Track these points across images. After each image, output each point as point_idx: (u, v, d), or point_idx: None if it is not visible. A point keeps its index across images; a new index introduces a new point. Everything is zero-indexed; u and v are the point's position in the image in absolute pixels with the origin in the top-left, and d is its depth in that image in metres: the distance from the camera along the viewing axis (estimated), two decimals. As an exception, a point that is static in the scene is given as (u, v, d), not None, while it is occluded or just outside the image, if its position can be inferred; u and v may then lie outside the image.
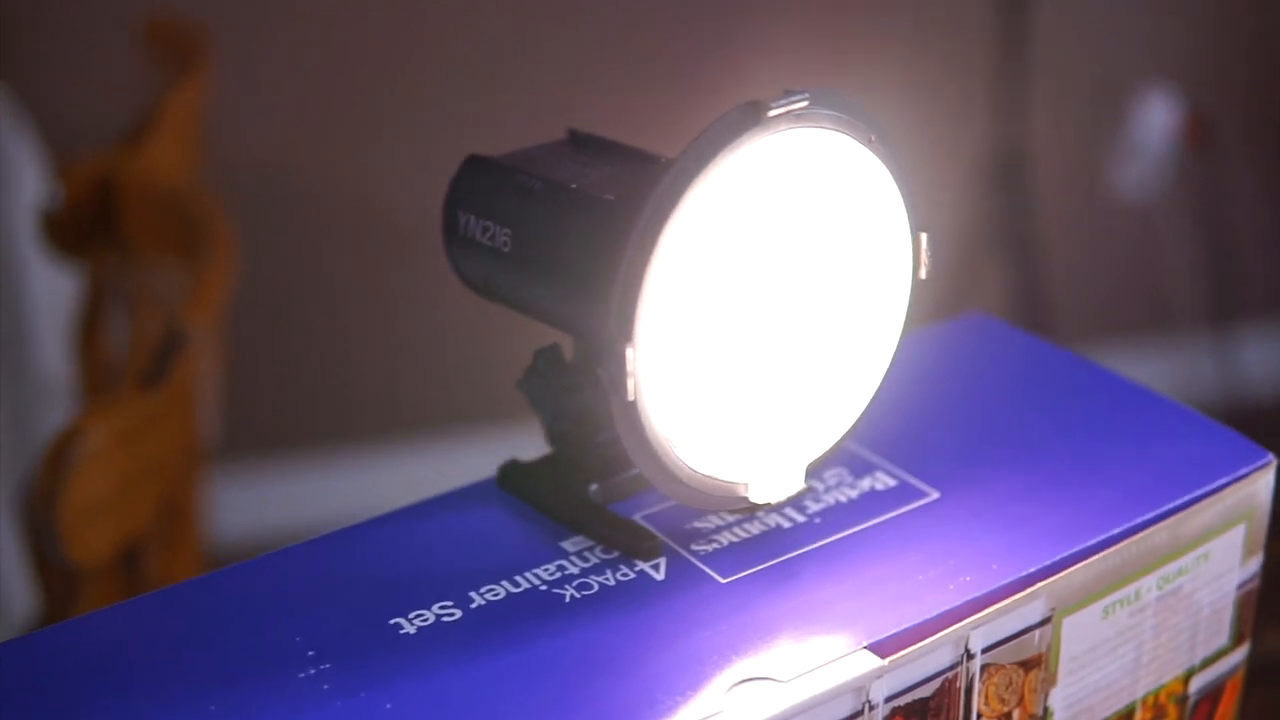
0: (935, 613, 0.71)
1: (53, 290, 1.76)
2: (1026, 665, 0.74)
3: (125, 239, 1.53)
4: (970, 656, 0.71)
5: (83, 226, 1.54)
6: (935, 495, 0.78)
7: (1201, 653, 0.82)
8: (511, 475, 0.79)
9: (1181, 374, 2.55)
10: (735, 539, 0.76)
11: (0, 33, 2.21)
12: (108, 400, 1.37)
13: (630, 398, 0.67)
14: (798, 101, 0.67)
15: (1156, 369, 2.59)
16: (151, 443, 1.18)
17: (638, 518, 0.77)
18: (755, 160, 0.67)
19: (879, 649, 0.69)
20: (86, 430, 1.10)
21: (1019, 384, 0.88)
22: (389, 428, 2.44)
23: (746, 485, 0.73)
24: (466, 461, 2.32)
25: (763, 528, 0.76)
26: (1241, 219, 2.56)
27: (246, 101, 2.26)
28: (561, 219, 0.73)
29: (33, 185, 1.77)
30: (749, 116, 0.66)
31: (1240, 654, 0.85)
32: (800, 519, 0.77)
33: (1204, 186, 2.50)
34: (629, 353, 0.66)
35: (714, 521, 0.77)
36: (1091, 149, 2.51)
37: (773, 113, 0.66)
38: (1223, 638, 0.83)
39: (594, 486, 0.77)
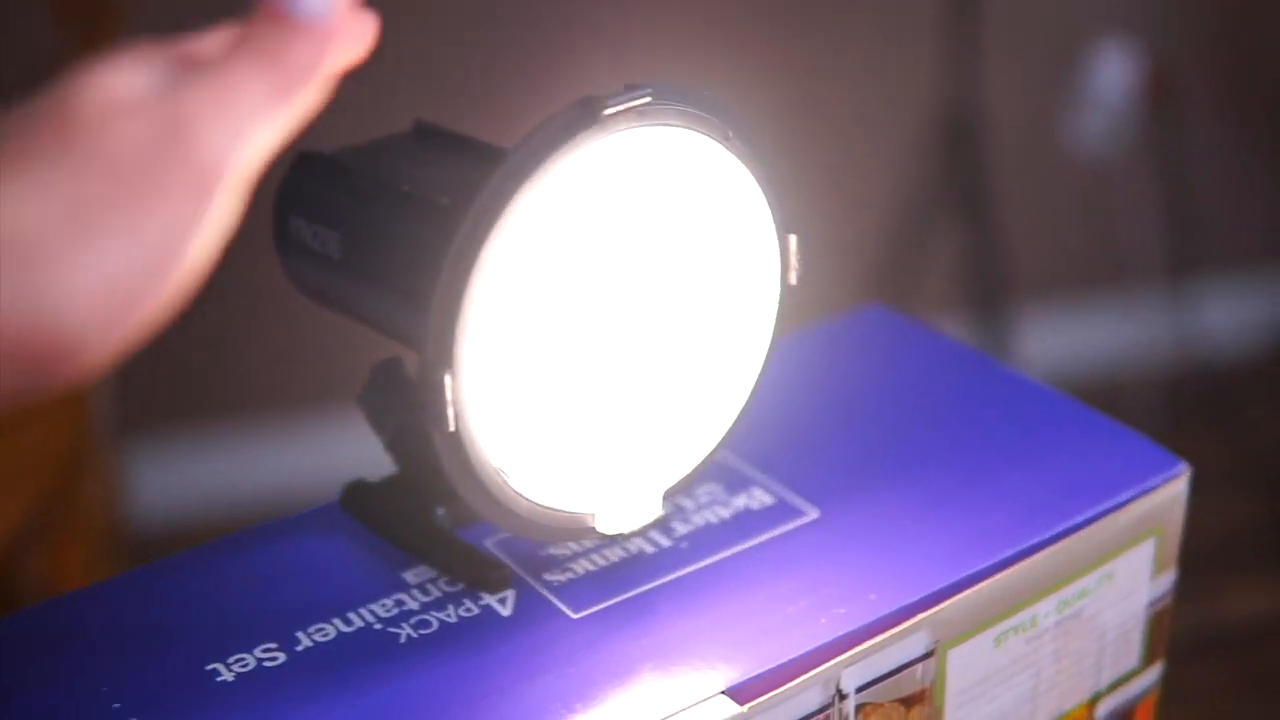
0: (803, 650, 0.65)
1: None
2: (908, 702, 0.68)
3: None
4: (843, 697, 0.65)
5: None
6: (814, 514, 0.72)
7: (1109, 676, 0.77)
8: (355, 497, 0.73)
9: (1139, 333, 2.50)
10: (593, 567, 0.70)
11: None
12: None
13: (451, 428, 0.60)
14: (639, 98, 0.61)
15: (1114, 328, 2.53)
16: (19, 442, 1.11)
17: (488, 544, 0.71)
18: (592, 161, 0.61)
19: (739, 693, 0.63)
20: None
21: (912, 387, 0.82)
22: (303, 396, 2.38)
23: (594, 515, 0.67)
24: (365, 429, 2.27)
25: (623, 554, 0.70)
26: (1202, 175, 2.50)
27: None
28: (391, 224, 0.66)
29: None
30: (583, 115, 0.60)
31: (1153, 673, 0.79)
32: (665, 543, 0.71)
33: (1164, 142, 2.44)
34: (448, 380, 0.60)
35: (571, 548, 0.70)
36: (1047, 103, 2.45)
37: (609, 110, 0.60)
38: (1132, 659, 0.77)
39: (440, 511, 0.71)
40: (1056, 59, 2.44)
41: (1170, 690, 0.82)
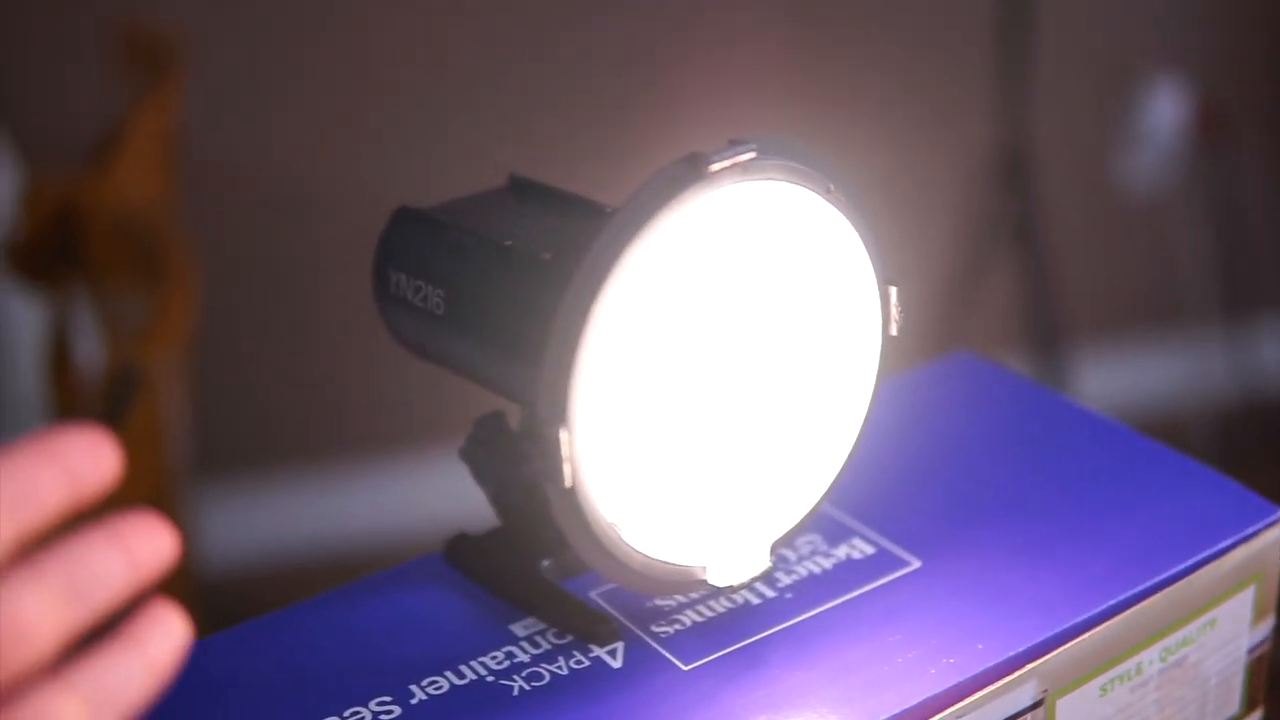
0: (915, 701, 0.65)
1: (27, 314, 1.71)
2: (1018, 751, 0.68)
3: (89, 266, 1.48)
4: (955, 747, 0.65)
5: (46, 254, 1.49)
6: (916, 564, 0.72)
7: (1210, 723, 0.76)
8: (459, 550, 0.74)
9: (1195, 371, 2.49)
10: (699, 618, 0.70)
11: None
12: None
13: (568, 484, 0.61)
14: (744, 153, 0.61)
15: (1169, 367, 2.52)
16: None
17: (594, 595, 0.71)
18: (699, 217, 0.61)
19: (853, 745, 0.63)
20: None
21: (1007, 436, 0.82)
22: (375, 441, 2.39)
23: (704, 568, 0.67)
24: (454, 475, 2.28)
25: (729, 605, 0.70)
26: (1255, 211, 2.49)
27: (222, 111, 2.21)
28: (495, 279, 0.67)
29: (3, 203, 1.72)
30: (689, 171, 0.60)
31: (1253, 720, 0.79)
32: (770, 594, 0.71)
33: (1216, 178, 2.43)
34: (563, 436, 0.60)
35: (677, 599, 0.71)
36: (1099, 140, 2.45)
37: (715, 166, 0.60)
38: (1233, 706, 0.77)
39: (546, 563, 0.71)
40: (1108, 96, 2.43)
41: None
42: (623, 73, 2.29)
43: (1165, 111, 2.39)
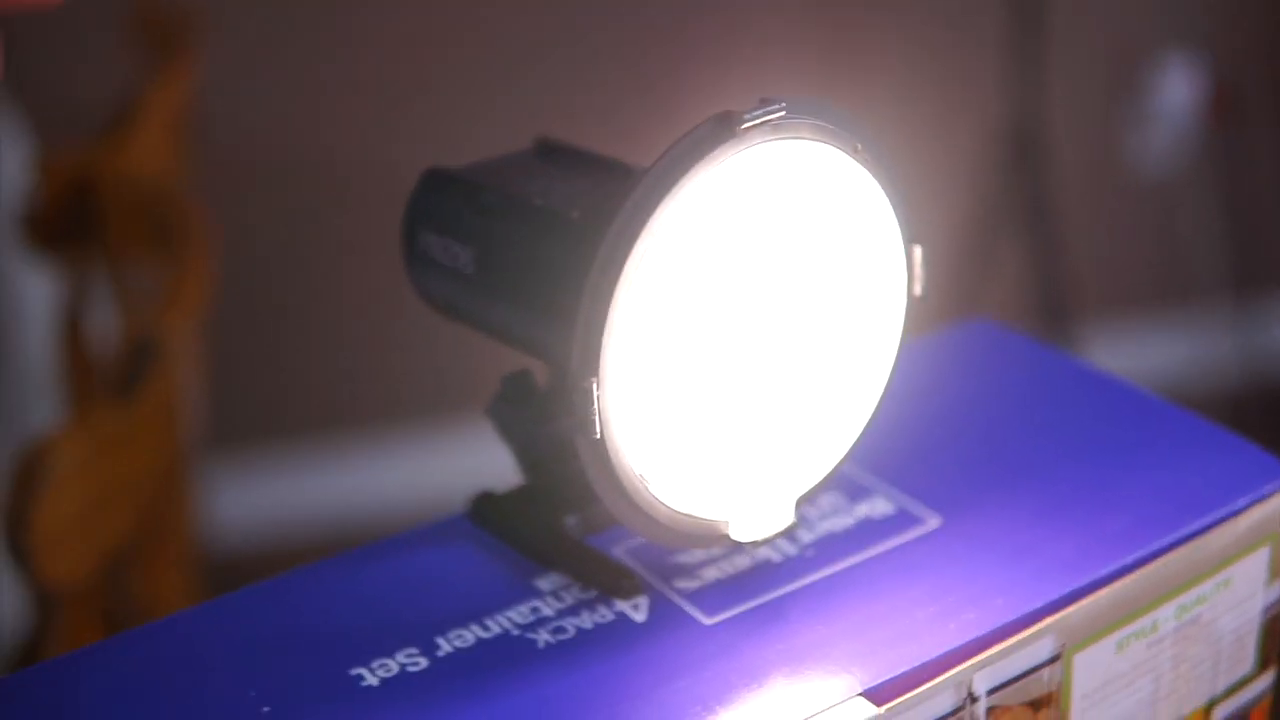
0: (935, 654, 0.66)
1: (40, 285, 1.72)
2: (1036, 705, 0.69)
3: (105, 237, 1.49)
4: (974, 700, 0.66)
5: (61, 224, 1.50)
6: (936, 523, 0.73)
7: (1224, 681, 0.77)
8: (483, 508, 0.74)
9: (1203, 351, 2.50)
10: (722, 574, 0.71)
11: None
12: (79, 414, 1.33)
13: (597, 435, 0.62)
14: (774, 112, 0.62)
15: (1178, 346, 2.53)
16: (126, 457, 1.13)
17: (618, 551, 0.72)
18: (729, 175, 0.62)
19: (875, 696, 0.64)
20: (55, 449, 1.05)
21: (1025, 398, 0.83)
22: (389, 416, 2.40)
23: (728, 523, 0.68)
24: (468, 450, 2.29)
25: (751, 561, 0.71)
26: (1265, 192, 2.50)
27: (240, 85, 2.22)
28: (524, 238, 0.67)
29: (13, 172, 1.73)
30: (721, 129, 0.61)
31: (1266, 680, 0.80)
32: (792, 551, 0.72)
33: (1226, 159, 2.44)
34: (595, 389, 0.61)
35: (699, 555, 0.72)
36: (1111, 120, 2.45)
37: (746, 124, 0.61)
38: (1247, 665, 0.78)
39: (571, 519, 0.72)
40: (1120, 75, 2.44)
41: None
42: (637, 50, 2.30)
43: (1177, 92, 2.39)
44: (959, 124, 2.37)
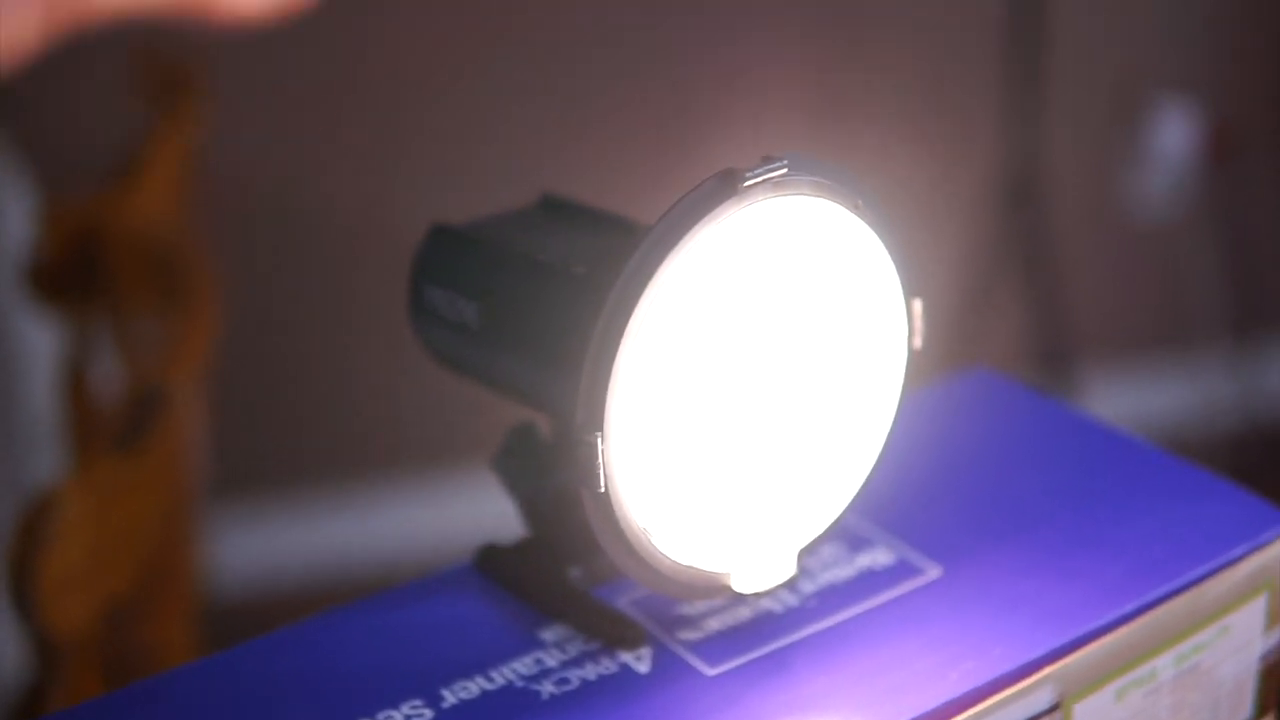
0: (937, 704, 0.67)
1: (43, 335, 1.72)
2: (1036, 755, 0.70)
3: (109, 287, 1.50)
4: (975, 750, 0.67)
5: (66, 275, 1.51)
6: (936, 573, 0.74)
7: (1223, 729, 0.78)
8: (488, 559, 0.75)
9: (1203, 395, 2.50)
10: (724, 625, 0.71)
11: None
12: (83, 465, 1.34)
13: (601, 489, 0.63)
14: (776, 169, 0.63)
15: (1178, 389, 2.54)
16: (129, 507, 1.14)
17: (622, 602, 0.73)
18: (732, 232, 0.63)
19: (876, 747, 0.65)
20: (60, 500, 1.06)
21: (1024, 448, 0.83)
22: (392, 466, 2.41)
23: (731, 574, 0.69)
24: (469, 501, 2.30)
25: (753, 612, 0.72)
26: (1265, 236, 2.51)
27: (244, 136, 2.23)
28: (529, 294, 0.68)
29: (17, 223, 1.73)
30: (724, 187, 0.62)
31: (1264, 727, 0.80)
32: (793, 602, 0.72)
33: (1226, 202, 2.45)
34: (599, 443, 0.62)
35: (701, 606, 0.72)
36: (1109, 163, 2.46)
37: (749, 182, 0.62)
38: (1245, 712, 0.79)
39: (575, 571, 0.73)
40: (1118, 119, 2.45)
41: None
42: (636, 97, 2.32)
43: (1176, 135, 2.40)
44: (957, 167, 2.39)
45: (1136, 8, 2.44)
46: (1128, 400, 2.52)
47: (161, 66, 1.86)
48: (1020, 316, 2.29)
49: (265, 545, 2.37)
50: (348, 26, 2.26)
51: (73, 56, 2.16)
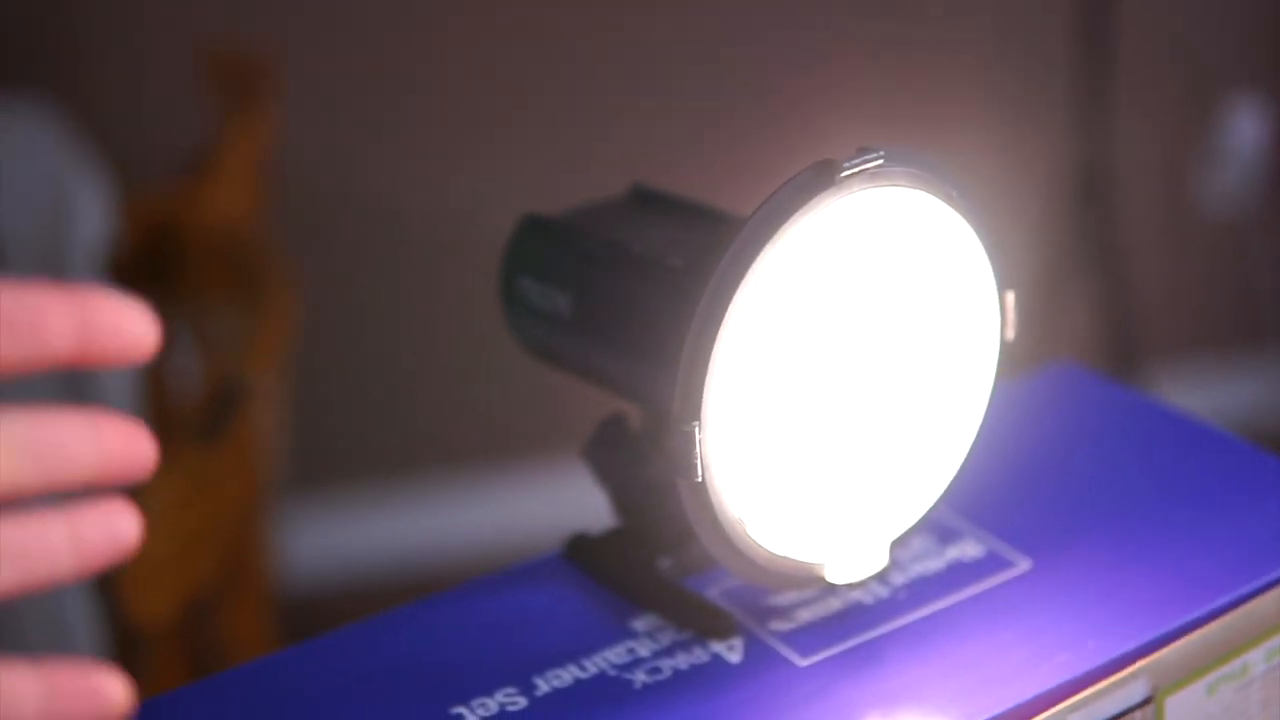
0: (1029, 696, 0.66)
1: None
2: (1128, 748, 0.69)
3: (187, 282, 1.51)
4: (1068, 742, 0.67)
5: (144, 269, 1.52)
6: (1026, 565, 0.74)
7: (1313, 725, 0.78)
8: (578, 549, 0.76)
9: (1275, 392, 2.48)
10: (814, 616, 0.71)
11: (63, 59, 2.19)
12: (165, 459, 1.34)
13: (698, 479, 0.63)
14: (872, 160, 0.63)
15: (1249, 387, 2.52)
16: (210, 499, 1.15)
17: (712, 593, 0.73)
18: (828, 222, 0.63)
19: (970, 738, 0.65)
20: (144, 492, 1.07)
21: (1111, 441, 0.83)
22: (467, 459, 2.41)
23: (824, 565, 0.69)
24: (544, 492, 2.31)
25: (843, 603, 0.72)
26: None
27: (321, 131, 2.24)
28: (624, 285, 0.69)
29: (94, 218, 1.75)
30: (821, 177, 0.62)
31: (1354, 723, 0.80)
32: (884, 594, 0.73)
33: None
34: (696, 433, 0.62)
35: (792, 596, 0.72)
36: (1181, 160, 2.45)
37: (846, 173, 0.62)
38: (1335, 708, 0.78)
39: (665, 561, 0.73)
40: (1190, 115, 2.44)
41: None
42: (714, 88, 2.32)
43: (1247, 131, 2.39)
44: (1029, 162, 2.38)
45: (1208, 5, 2.42)
46: (1197, 396, 2.50)
47: (236, 63, 1.87)
48: (1090, 311, 2.28)
49: (340, 538, 2.38)
50: (428, 15, 2.27)
51: (148, 51, 2.18)
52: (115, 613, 1.10)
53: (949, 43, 2.35)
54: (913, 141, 2.26)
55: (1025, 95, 2.37)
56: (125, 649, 1.19)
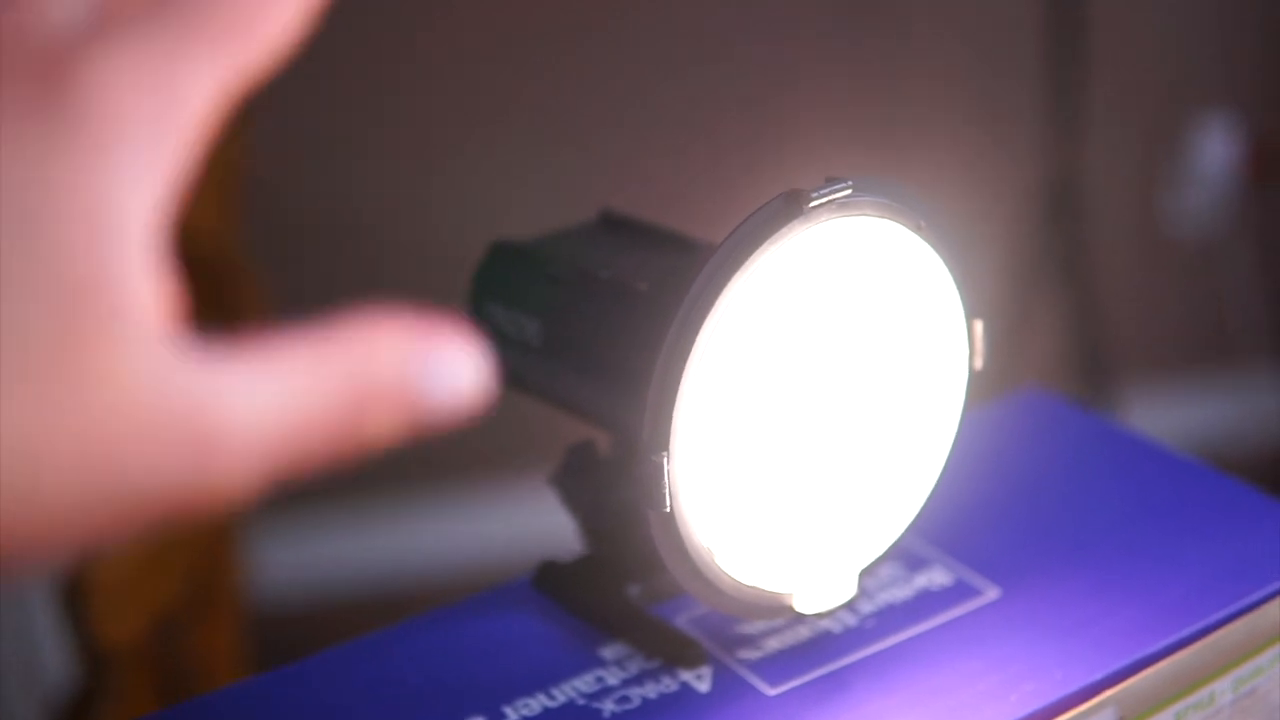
0: (996, 726, 0.66)
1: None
2: (1095, 777, 0.70)
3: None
4: (1035, 772, 0.67)
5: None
6: (994, 593, 0.74)
7: (1280, 753, 0.78)
8: (547, 576, 0.75)
9: (1245, 413, 2.49)
10: (784, 644, 0.71)
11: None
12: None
13: (667, 509, 0.63)
14: (840, 190, 0.63)
15: (1218, 408, 2.53)
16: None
17: (681, 621, 0.73)
18: (797, 252, 0.63)
19: (937, 768, 0.65)
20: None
21: (1079, 469, 0.83)
22: (440, 479, 2.40)
23: (792, 595, 0.69)
24: (516, 515, 2.30)
25: (812, 632, 0.72)
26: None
27: (293, 146, 2.24)
28: (592, 311, 0.69)
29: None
30: (790, 207, 0.62)
31: (1321, 751, 0.80)
32: (852, 622, 0.73)
33: (1267, 218, 2.44)
34: (665, 463, 0.62)
35: (760, 625, 0.72)
36: (1149, 179, 2.45)
37: (814, 203, 0.62)
38: (1302, 736, 0.78)
39: (634, 589, 0.73)
40: (1158, 134, 2.44)
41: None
42: (681, 112, 2.32)
43: (1217, 150, 2.39)
44: (997, 180, 2.38)
45: (1179, 23, 2.43)
46: (1166, 417, 2.50)
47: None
48: (1058, 331, 2.28)
49: (312, 556, 2.37)
50: (400, 34, 2.26)
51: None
52: (83, 631, 1.10)
53: (919, 61, 2.35)
54: (882, 159, 2.26)
55: (995, 113, 2.37)
56: (94, 668, 1.18)
